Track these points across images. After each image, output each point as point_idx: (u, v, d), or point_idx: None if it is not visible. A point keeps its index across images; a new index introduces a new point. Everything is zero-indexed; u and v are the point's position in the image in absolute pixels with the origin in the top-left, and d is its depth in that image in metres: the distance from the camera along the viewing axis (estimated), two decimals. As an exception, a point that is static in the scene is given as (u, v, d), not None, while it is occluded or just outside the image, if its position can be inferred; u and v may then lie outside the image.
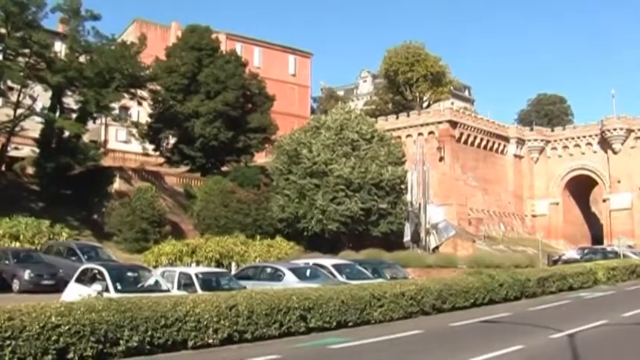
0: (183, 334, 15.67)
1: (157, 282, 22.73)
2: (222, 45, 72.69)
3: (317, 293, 19.62)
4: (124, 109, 66.38)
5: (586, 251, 60.92)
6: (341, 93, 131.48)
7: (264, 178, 59.77)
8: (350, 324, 20.11)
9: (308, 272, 27.84)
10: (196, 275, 24.48)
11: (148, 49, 58.04)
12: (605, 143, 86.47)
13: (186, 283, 23.89)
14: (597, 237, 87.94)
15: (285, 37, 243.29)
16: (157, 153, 66.73)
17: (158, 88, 61.43)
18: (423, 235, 53.18)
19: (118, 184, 55.75)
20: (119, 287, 20.96)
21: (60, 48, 56.46)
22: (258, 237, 50.19)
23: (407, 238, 52.74)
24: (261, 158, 72.61)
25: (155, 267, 35.28)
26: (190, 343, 15.82)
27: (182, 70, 62.66)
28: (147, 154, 63.46)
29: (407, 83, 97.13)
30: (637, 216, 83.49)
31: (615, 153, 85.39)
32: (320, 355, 16.15)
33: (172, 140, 66.66)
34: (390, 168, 55.24)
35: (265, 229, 53.90)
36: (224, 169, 65.78)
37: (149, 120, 64.45)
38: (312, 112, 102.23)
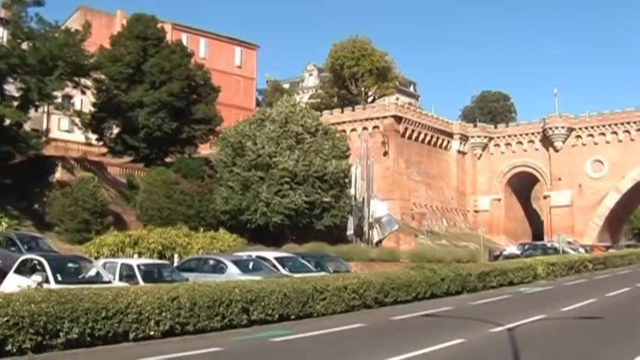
0: (124, 326, 15.56)
1: (98, 273, 22.51)
2: (168, 35, 72.14)
3: (259, 286, 19.62)
4: (67, 97, 65.57)
5: (526, 247, 61.93)
6: (286, 86, 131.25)
7: (208, 169, 59.52)
8: (292, 317, 20.15)
9: (251, 265, 27.85)
10: (138, 267, 24.33)
11: (92, 37, 57.25)
12: (546, 141, 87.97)
13: (127, 275, 23.71)
14: (538, 233, 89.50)
15: (231, 28, 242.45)
16: (100, 143, 66.01)
17: (102, 77, 60.69)
18: (366, 229, 53.48)
19: (59, 174, 54.91)
20: (59, 278, 20.68)
21: (2, 34, 55.56)
22: (202, 229, 49.95)
23: (350, 231, 53.01)
24: (205, 150, 72.23)
25: (97, 258, 34.85)
26: (132, 335, 15.72)
27: (127, 60, 61.99)
28: (90, 144, 62.74)
29: (352, 77, 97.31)
30: (577, 213, 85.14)
31: (557, 151, 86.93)
32: (262, 348, 16.15)
33: (116, 130, 65.95)
34: (334, 161, 55.34)
35: (209, 221, 53.70)
36: (168, 160, 65.34)
37: (92, 109, 63.61)
38: (258, 104, 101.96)
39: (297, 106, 60.72)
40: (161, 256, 41.47)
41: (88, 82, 58.28)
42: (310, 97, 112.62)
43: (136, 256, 39.56)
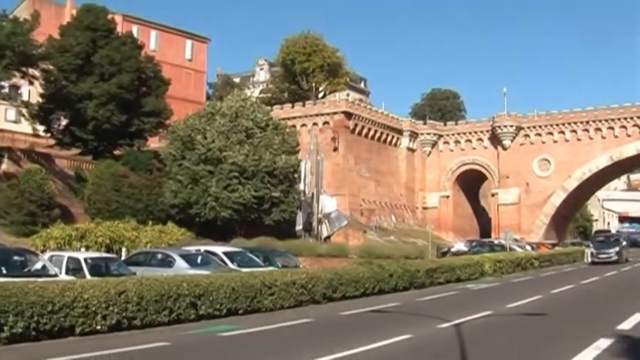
0: (70, 320, 15.41)
1: (44, 266, 22.24)
2: (119, 26, 71.46)
3: (207, 280, 19.58)
4: (14, 87, 64.65)
5: (474, 244, 62.31)
6: (237, 80, 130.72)
7: (157, 163, 59.14)
8: (240, 312, 20.13)
9: (199, 259, 27.80)
10: (85, 260, 24.15)
11: (41, 27, 56.65)
12: (495, 139, 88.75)
13: (74, 268, 23.52)
14: (485, 230, 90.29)
15: (182, 21, 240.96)
16: (48, 134, 65.10)
17: (51, 67, 59.86)
18: (315, 224, 53.63)
19: (6, 166, 54.20)
20: (4, 271, 20.44)
21: (-53, 22, 54.66)
22: (150, 222, 49.70)
23: (299, 227, 53.10)
24: (154, 143, 71.66)
25: (43, 251, 34.53)
26: (78, 330, 15.57)
27: (76, 51, 61.20)
28: (37, 135, 61.89)
29: (303, 73, 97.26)
30: (524, 211, 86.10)
31: (505, 149, 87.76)
32: (209, 342, 16.12)
33: (64, 122, 65.08)
34: (284, 156, 55.39)
35: (157, 214, 53.44)
36: (117, 152, 64.67)
37: (40, 100, 62.73)
38: (208, 98, 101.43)
39: (247, 101, 60.65)
40: (109, 249, 41.10)
41: (36, 73, 57.60)
42: (261, 92, 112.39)
43: (83, 249, 39.21)
